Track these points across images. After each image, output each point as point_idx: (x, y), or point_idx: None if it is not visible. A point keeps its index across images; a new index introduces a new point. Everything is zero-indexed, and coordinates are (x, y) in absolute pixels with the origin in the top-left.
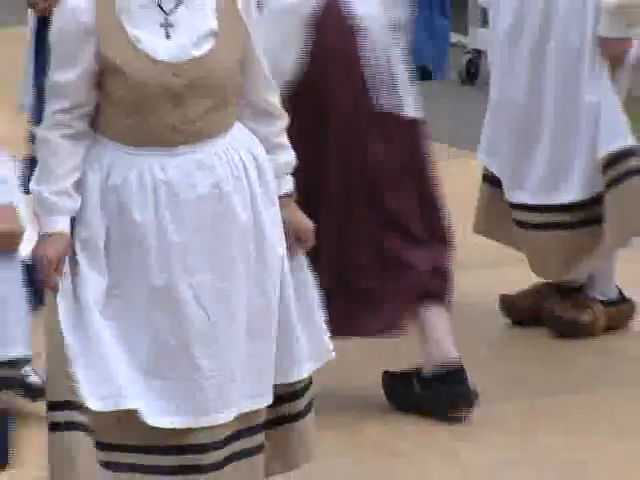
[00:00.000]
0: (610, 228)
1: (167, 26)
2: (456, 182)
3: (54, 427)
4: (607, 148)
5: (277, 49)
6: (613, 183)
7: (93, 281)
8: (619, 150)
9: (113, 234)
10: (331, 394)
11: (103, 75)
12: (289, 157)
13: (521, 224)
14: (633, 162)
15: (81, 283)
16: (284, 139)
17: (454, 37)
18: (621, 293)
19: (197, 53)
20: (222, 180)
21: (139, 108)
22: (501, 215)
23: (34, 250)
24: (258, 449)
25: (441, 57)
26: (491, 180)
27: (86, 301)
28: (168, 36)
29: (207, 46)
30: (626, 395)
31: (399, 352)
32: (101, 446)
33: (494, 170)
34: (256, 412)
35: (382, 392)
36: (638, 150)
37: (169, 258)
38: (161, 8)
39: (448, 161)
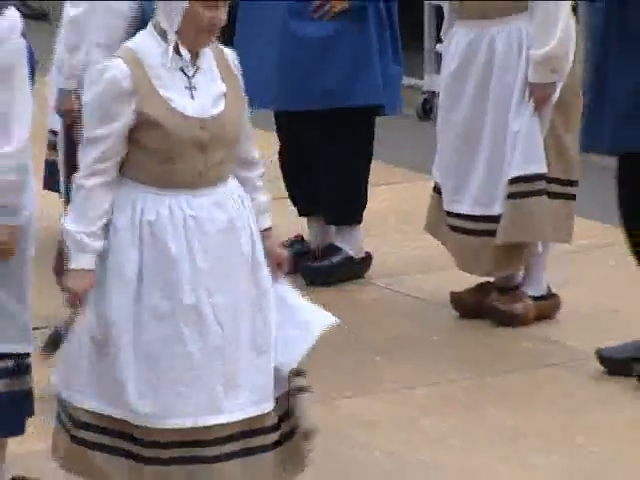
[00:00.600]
0: (504, 228)
1: (191, 88)
2: (416, 198)
3: (83, 443)
4: (521, 171)
5: None
6: (520, 196)
7: (122, 305)
8: (534, 174)
9: (147, 263)
10: None
11: (138, 129)
12: (266, 197)
13: (454, 228)
14: (544, 184)
15: (109, 307)
16: (261, 182)
17: (413, 81)
18: (549, 289)
19: (215, 112)
20: (233, 217)
21: (171, 157)
22: (442, 218)
23: (65, 282)
24: (267, 448)
25: (394, 98)
26: (439, 191)
27: (113, 322)
28: (192, 97)
29: (221, 106)
30: (556, 374)
31: None
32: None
33: (443, 184)
34: (264, 415)
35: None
36: (544, 176)
37: (198, 281)
38: (184, 73)
39: (409, 182)
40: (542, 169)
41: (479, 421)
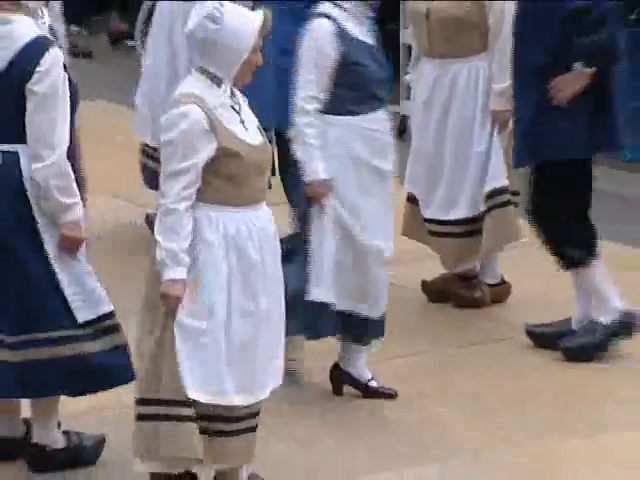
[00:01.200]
0: (488, 238)
1: (242, 122)
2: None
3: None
4: (491, 184)
5: None
6: (492, 209)
7: (217, 306)
8: (499, 187)
9: (235, 272)
10: None
11: (218, 159)
12: None
13: (431, 232)
14: (506, 197)
15: (202, 309)
16: None
17: (390, 107)
18: (502, 277)
19: (261, 139)
20: (274, 227)
21: (243, 180)
22: (418, 223)
23: (163, 291)
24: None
25: None
26: (412, 200)
27: (211, 317)
28: (246, 129)
29: (260, 136)
30: (509, 346)
31: None
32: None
33: (415, 193)
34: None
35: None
36: (508, 189)
37: (265, 282)
38: (234, 109)
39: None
40: (507, 182)
41: (445, 385)
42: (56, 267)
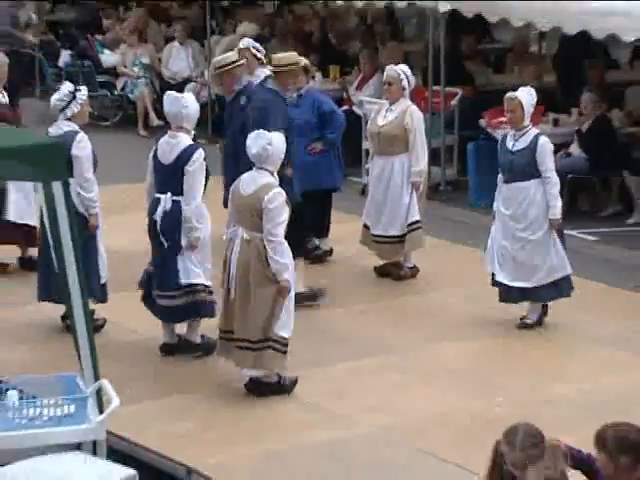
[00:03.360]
0: (408, 245)
1: None
2: (356, 228)
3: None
4: (411, 219)
5: None
6: (410, 231)
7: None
8: (415, 220)
9: None
10: None
11: None
12: None
13: (376, 242)
14: (419, 225)
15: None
16: None
17: (355, 178)
18: (414, 264)
19: None
20: None
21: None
22: (368, 238)
23: (284, 284)
24: None
25: (341, 185)
26: (365, 226)
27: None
28: None
29: None
30: (420, 305)
31: None
32: None
33: (368, 223)
34: None
35: None
36: (420, 221)
37: None
38: None
39: (353, 222)
40: (419, 217)
41: (382, 327)
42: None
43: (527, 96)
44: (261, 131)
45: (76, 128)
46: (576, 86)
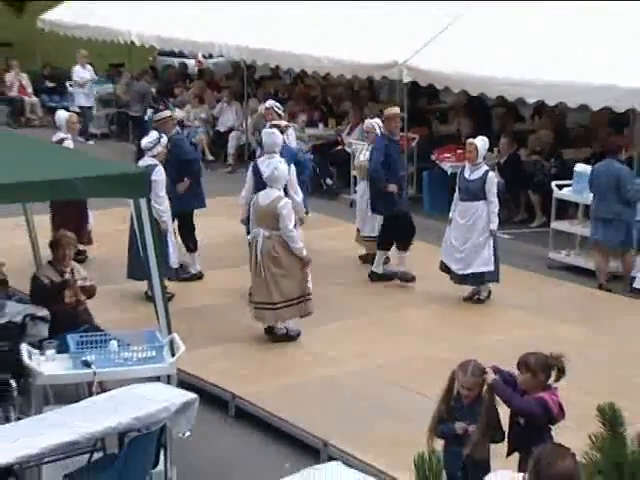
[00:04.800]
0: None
1: None
2: (350, 231)
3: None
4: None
5: None
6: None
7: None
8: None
9: None
10: None
11: None
12: None
13: (365, 240)
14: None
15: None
16: None
17: (348, 196)
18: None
19: None
20: None
21: None
22: (359, 238)
23: (307, 259)
24: None
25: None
26: (358, 230)
27: None
28: None
29: None
30: (382, 289)
31: None
32: None
33: (359, 227)
34: None
35: None
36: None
37: None
38: None
39: (348, 225)
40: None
41: (362, 298)
42: None
43: (481, 142)
44: (272, 161)
45: (156, 162)
46: (490, 133)
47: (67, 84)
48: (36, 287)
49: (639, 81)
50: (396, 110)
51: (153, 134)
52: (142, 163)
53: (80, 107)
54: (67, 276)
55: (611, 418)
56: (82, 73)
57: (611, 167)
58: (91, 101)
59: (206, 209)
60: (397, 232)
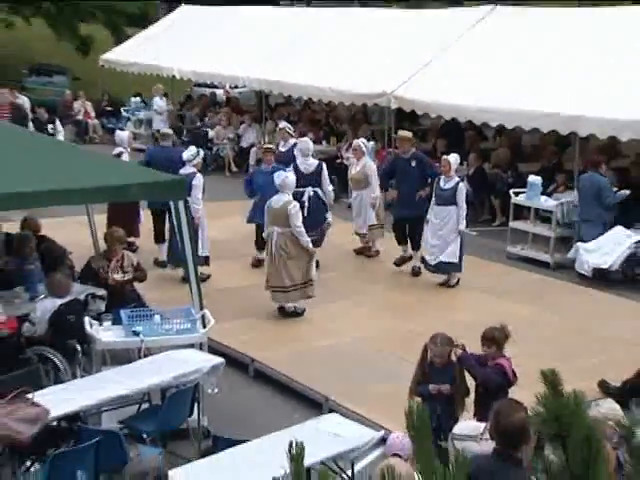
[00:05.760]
0: (371, 236)
1: None
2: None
3: None
4: (370, 222)
5: None
6: (371, 228)
7: None
8: (372, 224)
9: None
10: None
11: None
12: None
13: (357, 234)
14: (377, 226)
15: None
16: None
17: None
18: (378, 248)
19: None
20: None
21: None
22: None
23: (311, 250)
24: None
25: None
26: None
27: None
28: None
29: None
30: (365, 269)
31: None
32: None
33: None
34: None
35: None
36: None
37: None
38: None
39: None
40: (376, 221)
41: (355, 282)
42: None
43: (453, 158)
44: (281, 172)
45: (195, 170)
46: (461, 150)
47: (122, 109)
48: (84, 270)
49: (579, 110)
50: (404, 134)
51: (192, 148)
52: (184, 171)
53: (157, 130)
54: (113, 264)
55: (552, 380)
56: (160, 103)
57: (593, 179)
58: (167, 125)
59: (227, 210)
60: (404, 232)
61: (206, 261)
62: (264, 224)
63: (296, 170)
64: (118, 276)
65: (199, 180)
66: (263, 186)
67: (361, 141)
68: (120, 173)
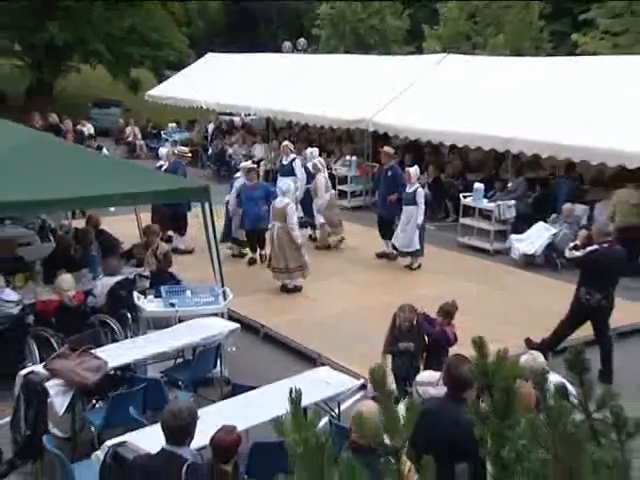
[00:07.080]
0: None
1: None
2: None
3: None
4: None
5: None
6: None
7: None
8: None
9: None
10: None
11: None
12: None
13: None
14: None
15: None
16: None
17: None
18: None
19: None
20: None
21: None
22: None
23: (301, 242)
24: None
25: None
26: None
27: None
28: None
29: None
30: (342, 256)
31: None
32: None
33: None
34: None
35: None
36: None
37: None
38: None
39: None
40: None
41: (344, 265)
42: None
43: (413, 170)
44: (283, 180)
45: (289, 201)
46: (423, 163)
47: (162, 133)
48: (125, 253)
49: (512, 133)
50: (387, 149)
51: (287, 182)
52: (237, 184)
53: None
54: (149, 252)
55: (479, 344)
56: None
57: (567, 181)
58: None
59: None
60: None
61: (234, 240)
62: (251, 231)
63: (306, 168)
64: (153, 262)
65: (292, 209)
66: (244, 201)
67: (318, 160)
68: (160, 181)
